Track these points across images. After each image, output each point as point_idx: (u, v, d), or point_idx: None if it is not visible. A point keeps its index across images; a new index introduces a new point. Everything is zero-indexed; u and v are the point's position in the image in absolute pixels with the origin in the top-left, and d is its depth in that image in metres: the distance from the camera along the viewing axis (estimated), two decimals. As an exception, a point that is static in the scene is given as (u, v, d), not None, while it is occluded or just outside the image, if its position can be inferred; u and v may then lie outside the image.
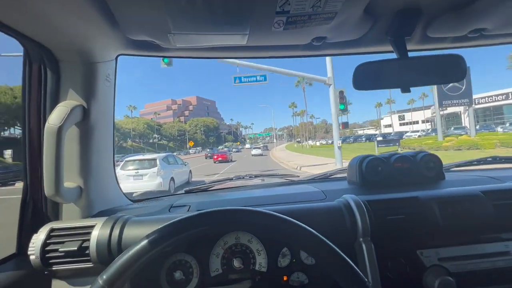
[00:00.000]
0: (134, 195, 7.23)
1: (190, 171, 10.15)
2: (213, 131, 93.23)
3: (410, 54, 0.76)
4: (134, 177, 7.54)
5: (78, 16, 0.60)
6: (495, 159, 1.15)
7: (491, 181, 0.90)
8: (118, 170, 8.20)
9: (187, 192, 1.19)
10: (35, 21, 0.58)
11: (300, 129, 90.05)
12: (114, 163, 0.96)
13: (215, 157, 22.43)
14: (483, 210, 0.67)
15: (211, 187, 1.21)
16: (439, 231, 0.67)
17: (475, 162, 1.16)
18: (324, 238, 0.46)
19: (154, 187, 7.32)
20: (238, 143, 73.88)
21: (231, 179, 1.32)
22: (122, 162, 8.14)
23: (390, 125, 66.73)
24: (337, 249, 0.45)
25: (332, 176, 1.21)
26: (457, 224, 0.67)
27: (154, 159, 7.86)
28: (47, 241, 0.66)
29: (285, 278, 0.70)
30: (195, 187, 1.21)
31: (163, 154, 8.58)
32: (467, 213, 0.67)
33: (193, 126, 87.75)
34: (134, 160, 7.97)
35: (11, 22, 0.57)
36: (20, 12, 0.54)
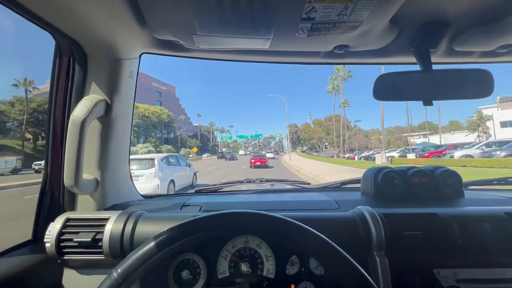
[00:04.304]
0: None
1: (195, 173, 9.65)
2: (160, 127, 54.10)
3: (434, 67, 0.74)
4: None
5: (109, 14, 0.62)
6: None
7: None
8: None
9: (197, 192, 1.19)
10: (69, 16, 0.61)
11: (315, 131, 63.16)
12: (129, 158, 0.98)
13: (252, 161, 20.03)
14: (506, 232, 0.65)
15: (221, 188, 1.21)
16: (458, 251, 0.65)
17: (495, 182, 1.12)
18: (338, 247, 0.46)
19: (150, 190, 6.67)
20: (195, 149, 42.06)
21: (241, 182, 1.30)
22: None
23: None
24: (351, 259, 0.44)
25: (344, 186, 1.18)
26: (477, 245, 0.64)
27: (152, 159, 7.38)
28: (63, 230, 0.67)
29: (292, 286, 0.68)
30: (206, 187, 1.21)
31: (163, 154, 8.12)
32: (489, 234, 0.65)
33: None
34: (131, 160, 7.29)
35: (46, 16, 0.60)
36: (55, 7, 0.57)
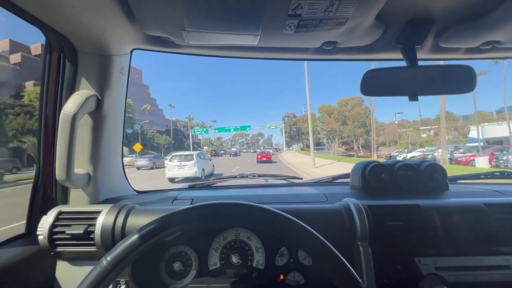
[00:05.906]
0: (176, 180, 10.94)
1: (213, 165, 13.85)
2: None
3: (420, 63, 0.75)
4: (178, 167, 10.90)
5: (98, 10, 0.62)
6: (503, 174, 1.14)
7: (496, 195, 0.89)
8: (167, 162, 10.27)
9: (190, 187, 1.20)
10: (58, 12, 0.61)
11: (324, 121, 44.38)
12: (122, 153, 0.98)
13: (259, 156, 21.92)
14: (484, 222, 0.67)
15: (214, 183, 1.22)
16: (438, 240, 0.67)
17: (482, 176, 1.15)
18: (322, 238, 0.46)
19: (192, 174, 10.60)
20: (138, 146, 18.42)
21: (234, 177, 1.31)
22: (170, 156, 11.73)
23: None
24: (334, 249, 0.45)
25: (335, 181, 1.21)
26: (457, 235, 0.67)
27: (192, 155, 11.43)
28: (55, 223, 0.69)
29: (281, 276, 0.70)
30: (199, 182, 1.22)
31: (197, 152, 12.42)
32: (468, 225, 0.67)
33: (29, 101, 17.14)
34: (178, 155, 11.54)
35: (35, 12, 0.60)
36: (44, 2, 0.57)
